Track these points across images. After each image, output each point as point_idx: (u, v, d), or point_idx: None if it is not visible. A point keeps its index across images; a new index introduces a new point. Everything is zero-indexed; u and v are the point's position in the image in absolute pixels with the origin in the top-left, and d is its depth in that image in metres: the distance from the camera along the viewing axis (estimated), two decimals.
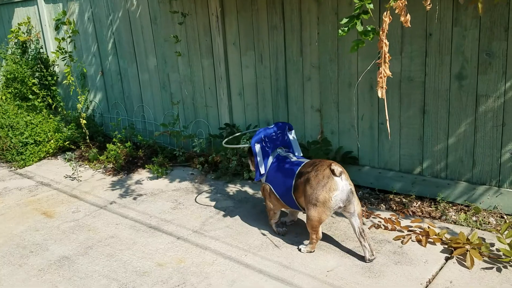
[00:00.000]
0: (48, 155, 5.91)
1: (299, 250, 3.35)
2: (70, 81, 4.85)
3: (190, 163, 5.37)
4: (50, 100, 6.79)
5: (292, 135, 3.71)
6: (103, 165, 5.43)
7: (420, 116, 3.99)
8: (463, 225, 3.61)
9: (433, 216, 3.80)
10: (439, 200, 4.00)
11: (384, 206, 4.06)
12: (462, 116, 3.77)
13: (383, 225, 3.64)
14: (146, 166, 5.23)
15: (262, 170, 3.49)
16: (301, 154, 3.73)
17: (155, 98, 6.06)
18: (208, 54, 5.31)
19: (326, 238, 3.52)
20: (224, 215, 4.04)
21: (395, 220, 3.65)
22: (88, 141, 5.72)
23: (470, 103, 3.71)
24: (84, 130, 5.39)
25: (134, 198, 4.54)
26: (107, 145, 5.48)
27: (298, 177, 3.22)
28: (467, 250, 3.09)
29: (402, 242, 3.40)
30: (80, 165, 5.33)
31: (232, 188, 4.58)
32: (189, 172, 5.17)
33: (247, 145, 3.94)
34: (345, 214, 3.18)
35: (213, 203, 4.30)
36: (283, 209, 3.59)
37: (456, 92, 3.75)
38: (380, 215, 3.83)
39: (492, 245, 3.23)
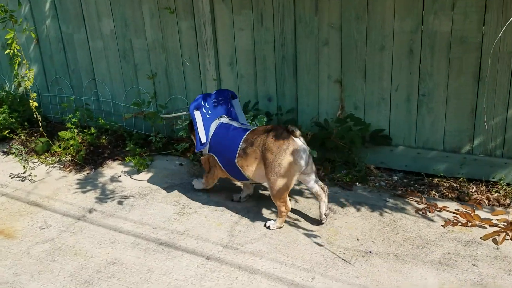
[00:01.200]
0: None
1: (268, 227, 3.03)
2: (15, 50, 3.44)
3: (171, 151, 4.21)
4: None
5: (236, 103, 3.44)
6: (58, 158, 4.09)
7: (474, 85, 3.25)
8: None
9: (503, 203, 3.09)
10: (500, 182, 3.38)
11: (436, 194, 3.28)
12: None
13: (459, 220, 2.90)
14: (116, 157, 3.98)
15: (203, 139, 3.21)
16: (246, 123, 3.44)
17: (113, 71, 4.74)
18: (188, 14, 4.14)
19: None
20: (252, 219, 3.13)
21: (473, 214, 2.88)
22: (40, 128, 4.27)
23: None
24: (35, 115, 3.97)
25: (120, 202, 3.37)
26: (60, 132, 4.12)
27: (246, 144, 3.02)
28: None
29: (494, 241, 2.68)
30: (25, 160, 3.92)
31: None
32: (175, 162, 4.05)
33: (184, 112, 3.61)
34: (304, 178, 3.00)
35: (229, 203, 3.24)
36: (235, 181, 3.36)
37: None
38: (447, 207, 3.03)
39: None
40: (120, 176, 3.88)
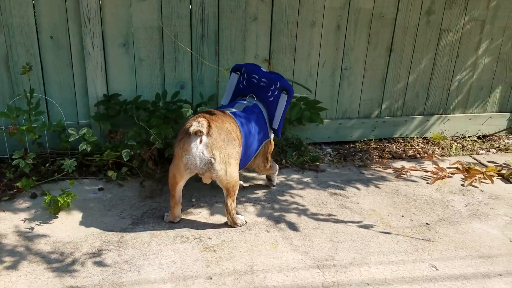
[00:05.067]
0: None
1: (163, 218, 2.44)
2: None
3: (62, 174, 2.73)
4: None
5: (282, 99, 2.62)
6: None
7: (386, 56, 3.46)
8: (462, 154, 3.49)
9: (430, 154, 3.46)
10: (404, 137, 3.74)
11: (377, 157, 3.37)
12: (424, 52, 3.53)
13: (434, 176, 3.07)
14: None
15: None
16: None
17: None
18: None
19: None
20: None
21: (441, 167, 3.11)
22: None
23: (433, 39, 3.48)
24: None
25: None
26: None
27: None
28: None
29: (469, 185, 2.97)
30: None
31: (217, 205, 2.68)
32: (90, 187, 2.63)
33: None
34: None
35: (226, 247, 2.38)
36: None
37: (423, 28, 3.43)
38: (415, 167, 3.20)
39: None
40: (30, 230, 2.18)
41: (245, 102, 2.54)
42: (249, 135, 2.40)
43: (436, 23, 3.43)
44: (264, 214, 2.50)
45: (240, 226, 2.38)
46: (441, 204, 2.69)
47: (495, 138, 3.78)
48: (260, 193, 2.71)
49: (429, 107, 3.70)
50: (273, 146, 2.67)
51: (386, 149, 3.45)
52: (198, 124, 2.13)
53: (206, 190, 2.72)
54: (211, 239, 2.25)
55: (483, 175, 3.00)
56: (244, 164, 2.46)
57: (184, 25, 3.02)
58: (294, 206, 2.61)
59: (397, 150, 3.47)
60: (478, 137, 3.78)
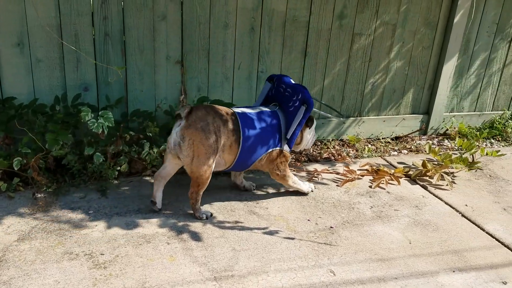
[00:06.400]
0: None
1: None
2: None
3: None
4: None
5: (300, 113, 2.60)
6: None
7: (301, 59, 3.46)
8: (374, 156, 3.54)
9: (343, 156, 3.49)
10: (322, 139, 3.73)
11: (294, 160, 3.36)
12: (339, 56, 3.57)
13: (345, 178, 3.08)
14: None
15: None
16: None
17: None
18: None
19: None
20: None
21: (351, 169, 3.13)
22: None
23: (346, 43, 3.54)
24: None
25: None
26: None
27: None
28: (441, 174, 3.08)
29: (376, 186, 3.00)
30: None
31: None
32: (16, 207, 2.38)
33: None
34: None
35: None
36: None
37: (336, 31, 3.48)
38: (327, 169, 3.18)
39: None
40: None
41: (265, 108, 2.56)
42: (251, 135, 2.41)
43: (349, 27, 3.45)
44: (168, 225, 2.35)
45: (201, 219, 2.42)
46: (348, 206, 2.68)
47: (408, 139, 3.87)
48: (165, 202, 2.55)
49: (344, 109, 3.71)
50: (283, 156, 2.58)
51: (303, 152, 3.42)
52: (181, 109, 2.27)
53: (106, 201, 2.52)
54: (103, 254, 2.07)
55: (391, 176, 3.04)
56: (245, 160, 2.45)
57: (85, 23, 2.80)
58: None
59: (314, 152, 3.45)
60: (392, 139, 3.85)
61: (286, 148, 2.57)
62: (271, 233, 2.36)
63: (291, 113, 2.52)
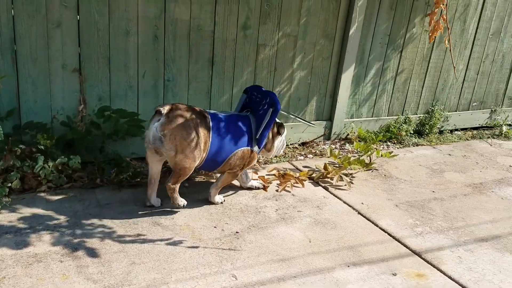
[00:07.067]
0: None
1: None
2: None
3: None
4: None
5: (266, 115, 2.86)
6: None
7: (209, 68, 3.54)
8: (282, 161, 3.66)
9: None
10: None
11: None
12: (245, 66, 3.69)
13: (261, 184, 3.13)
14: None
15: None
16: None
17: None
18: None
19: None
20: None
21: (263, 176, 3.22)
22: None
23: (251, 53, 3.68)
24: None
25: None
26: None
27: None
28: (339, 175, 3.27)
29: (282, 190, 3.10)
30: None
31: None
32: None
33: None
34: None
35: None
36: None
37: (241, 42, 3.60)
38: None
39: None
40: None
41: (237, 113, 2.77)
42: (221, 134, 2.57)
43: (253, 38, 3.53)
44: (62, 242, 2.21)
45: (179, 207, 2.62)
46: (254, 211, 2.72)
47: (314, 144, 4.04)
48: (62, 219, 2.40)
49: None
50: (252, 158, 2.76)
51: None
52: (161, 106, 2.41)
53: None
54: None
55: (296, 180, 3.14)
56: (215, 158, 2.59)
57: None
58: (100, 229, 2.36)
59: None
60: (300, 144, 3.99)
61: (255, 148, 2.73)
62: (175, 243, 2.31)
63: (260, 116, 2.72)
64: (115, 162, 3.05)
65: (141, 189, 2.83)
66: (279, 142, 2.89)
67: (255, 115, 2.78)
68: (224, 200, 2.77)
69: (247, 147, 2.70)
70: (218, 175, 2.84)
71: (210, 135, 2.54)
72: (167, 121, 2.43)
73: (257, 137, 2.72)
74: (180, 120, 2.45)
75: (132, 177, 2.97)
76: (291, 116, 3.52)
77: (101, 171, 2.96)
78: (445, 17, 3.35)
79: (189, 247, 2.29)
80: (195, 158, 2.49)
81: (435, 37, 3.53)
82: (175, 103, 2.55)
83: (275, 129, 2.85)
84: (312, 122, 3.87)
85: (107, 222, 2.45)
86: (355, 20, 3.82)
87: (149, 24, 3.10)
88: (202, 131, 2.51)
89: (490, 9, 4.47)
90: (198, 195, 2.84)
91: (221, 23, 3.37)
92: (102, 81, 3.08)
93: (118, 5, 2.96)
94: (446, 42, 3.67)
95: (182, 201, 2.62)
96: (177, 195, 2.58)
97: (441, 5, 3.16)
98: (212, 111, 2.67)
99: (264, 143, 2.78)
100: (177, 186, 2.56)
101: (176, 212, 2.63)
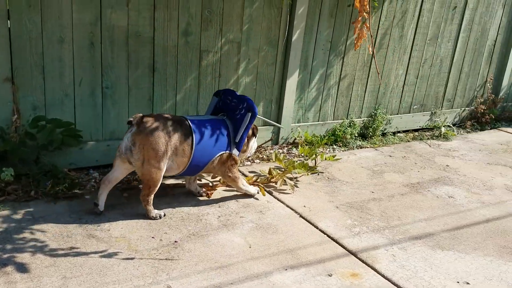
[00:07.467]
0: None
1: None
2: None
3: None
4: None
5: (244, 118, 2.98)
6: None
7: (150, 75, 3.52)
8: None
9: None
10: None
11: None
12: (188, 72, 3.69)
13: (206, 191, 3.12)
14: None
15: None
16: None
17: None
18: None
19: None
20: None
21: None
22: None
23: (194, 59, 3.69)
24: None
25: None
26: None
27: None
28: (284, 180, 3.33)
29: None
30: None
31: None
32: None
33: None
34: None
35: None
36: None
37: (183, 48, 3.61)
38: (176, 184, 3.19)
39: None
40: None
41: (214, 117, 2.84)
42: (203, 137, 2.65)
43: (195, 44, 3.51)
44: None
45: (155, 219, 2.61)
46: (196, 219, 2.69)
47: (262, 149, 4.06)
48: None
49: None
50: (233, 159, 2.83)
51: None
52: (133, 117, 2.50)
53: None
54: None
55: None
56: (198, 162, 2.67)
57: None
58: (32, 243, 2.26)
59: None
60: None
61: (235, 151, 2.81)
62: (109, 255, 2.25)
63: (238, 120, 2.81)
64: (51, 174, 2.94)
65: (78, 201, 2.74)
66: (253, 143, 3.05)
67: (232, 119, 2.86)
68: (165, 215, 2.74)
69: (227, 151, 2.80)
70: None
71: (193, 140, 2.60)
72: (137, 131, 2.49)
73: (236, 140, 2.80)
74: (150, 130, 2.49)
75: (68, 189, 2.87)
76: (261, 119, 3.59)
77: (36, 183, 2.84)
78: (368, 25, 3.46)
79: (124, 259, 2.24)
80: (161, 168, 2.52)
81: (360, 44, 3.64)
82: (149, 114, 2.62)
83: (250, 131, 2.94)
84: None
85: (39, 235, 2.35)
86: (297, 27, 3.89)
87: (85, 31, 3.02)
88: (178, 139, 2.56)
89: (427, 15, 4.68)
90: (137, 206, 2.78)
91: (161, 29, 3.34)
92: (36, 90, 2.96)
93: (51, 12, 2.87)
94: (370, 49, 3.79)
95: (155, 213, 2.62)
96: (150, 207, 2.60)
97: (364, 14, 3.26)
98: (191, 117, 2.75)
99: (242, 146, 2.87)
100: (150, 198, 2.58)
101: (113, 223, 2.56)
